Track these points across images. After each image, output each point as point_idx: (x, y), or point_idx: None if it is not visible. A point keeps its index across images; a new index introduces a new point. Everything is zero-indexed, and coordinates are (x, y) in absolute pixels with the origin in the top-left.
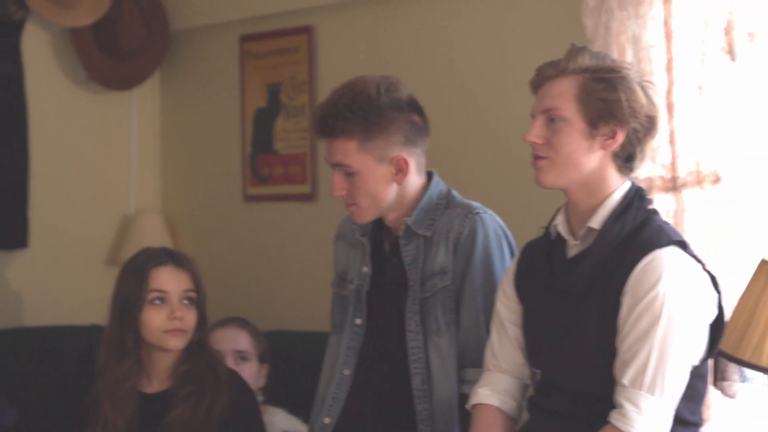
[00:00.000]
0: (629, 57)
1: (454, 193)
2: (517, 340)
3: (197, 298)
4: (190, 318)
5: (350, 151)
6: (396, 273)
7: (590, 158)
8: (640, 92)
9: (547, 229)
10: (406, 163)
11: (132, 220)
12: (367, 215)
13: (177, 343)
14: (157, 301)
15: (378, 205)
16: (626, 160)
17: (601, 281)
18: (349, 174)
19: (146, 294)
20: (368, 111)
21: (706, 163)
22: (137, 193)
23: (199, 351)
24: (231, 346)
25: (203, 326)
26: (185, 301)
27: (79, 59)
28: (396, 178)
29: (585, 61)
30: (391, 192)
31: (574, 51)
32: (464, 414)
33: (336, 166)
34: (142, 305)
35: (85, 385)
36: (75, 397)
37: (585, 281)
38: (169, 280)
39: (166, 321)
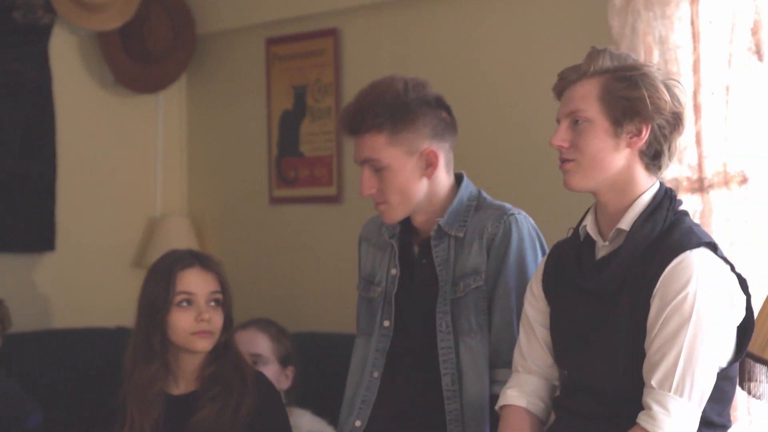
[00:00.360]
0: (656, 58)
1: (485, 194)
2: (545, 342)
3: (224, 300)
4: (216, 320)
5: (380, 145)
6: (425, 275)
7: (617, 157)
8: (663, 89)
9: (576, 230)
10: (435, 156)
11: (158, 223)
12: (397, 213)
13: (204, 344)
14: (184, 304)
15: (408, 202)
16: (653, 158)
17: (630, 282)
18: (379, 170)
19: (173, 296)
20: (396, 105)
21: (733, 164)
22: (163, 195)
23: (225, 353)
24: (247, 349)
25: (229, 328)
26: (212, 303)
27: (107, 63)
28: (426, 172)
29: (606, 62)
30: (421, 188)
31: (595, 53)
32: (495, 414)
33: (365, 163)
34: (170, 308)
35: (112, 388)
36: (102, 399)
37: (614, 282)
38: (195, 282)
39: (193, 323)
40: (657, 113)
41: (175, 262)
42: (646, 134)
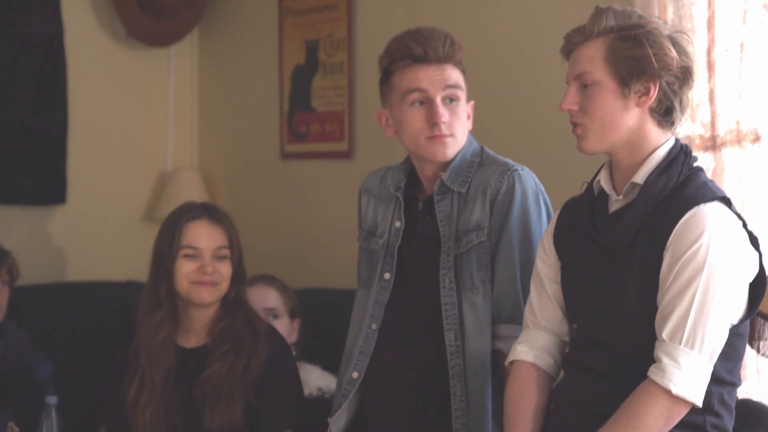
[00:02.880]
0: (670, 15)
1: (488, 150)
2: (555, 297)
3: (231, 254)
4: (222, 271)
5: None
6: (428, 230)
7: (627, 117)
8: (668, 44)
9: (591, 185)
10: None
11: (169, 177)
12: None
13: (204, 296)
14: (190, 255)
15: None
16: (665, 114)
17: (643, 235)
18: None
19: (179, 246)
20: None
21: (746, 122)
22: (174, 149)
23: (236, 308)
24: (261, 304)
25: (239, 282)
26: (218, 257)
27: (118, 16)
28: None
29: (610, 21)
30: None
31: (598, 13)
32: (496, 369)
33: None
34: (176, 258)
35: (123, 341)
36: (113, 351)
37: (627, 235)
38: (201, 235)
39: (195, 273)
40: (664, 70)
41: (183, 213)
42: (654, 92)
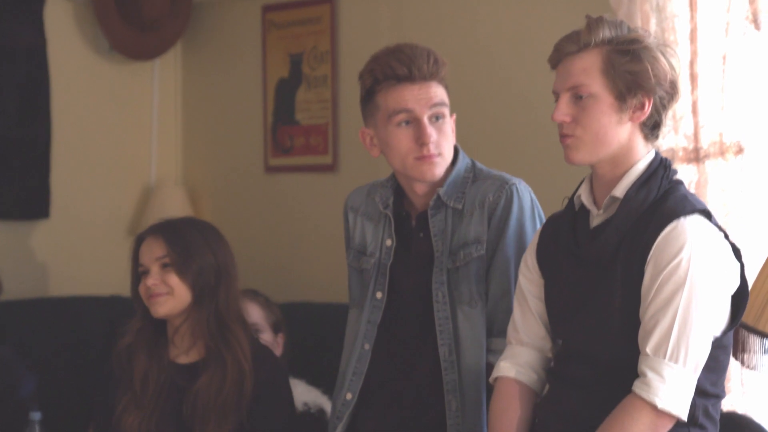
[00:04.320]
0: (653, 26)
1: (479, 165)
2: (539, 314)
3: (174, 262)
4: (169, 281)
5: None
6: (422, 247)
7: (620, 131)
8: (662, 59)
9: (571, 200)
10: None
11: (153, 191)
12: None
13: (158, 308)
14: (143, 272)
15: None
16: (653, 128)
17: (625, 249)
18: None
19: (136, 266)
20: None
21: (729, 134)
22: (158, 163)
23: (217, 324)
24: None
25: (202, 293)
26: (165, 268)
27: (102, 29)
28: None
29: (605, 32)
30: None
31: (593, 23)
32: (490, 384)
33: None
34: (139, 278)
35: (107, 356)
36: (99, 365)
37: (608, 250)
38: (145, 251)
39: (146, 288)
40: (658, 85)
41: (139, 236)
42: (648, 108)
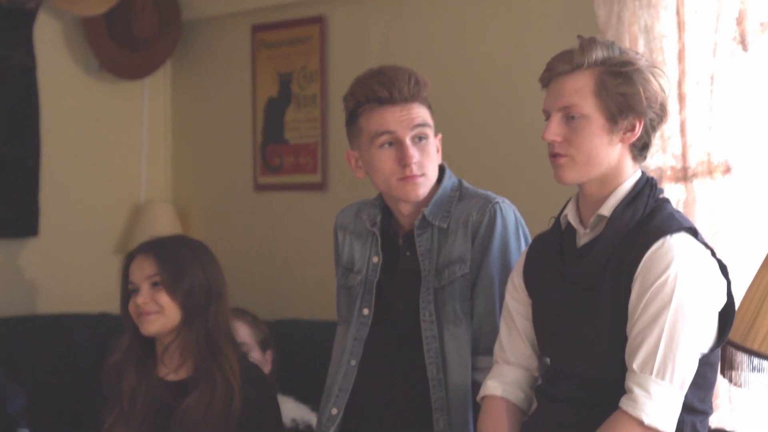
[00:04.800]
0: (641, 47)
1: (466, 183)
2: (525, 333)
3: (164, 281)
4: (159, 300)
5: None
6: (409, 265)
7: (611, 152)
8: (654, 81)
9: (558, 220)
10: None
11: (142, 210)
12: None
13: (148, 327)
14: (133, 290)
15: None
16: (642, 149)
17: (612, 268)
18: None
19: (126, 287)
20: None
21: (717, 154)
22: (148, 182)
23: (207, 342)
24: None
25: (192, 312)
26: (155, 286)
27: (91, 48)
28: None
29: (598, 54)
30: None
31: (586, 44)
32: (477, 402)
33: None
34: (128, 296)
35: (96, 373)
36: (88, 385)
37: (595, 269)
38: (135, 269)
39: (135, 306)
40: (649, 108)
41: (129, 255)
42: (639, 129)
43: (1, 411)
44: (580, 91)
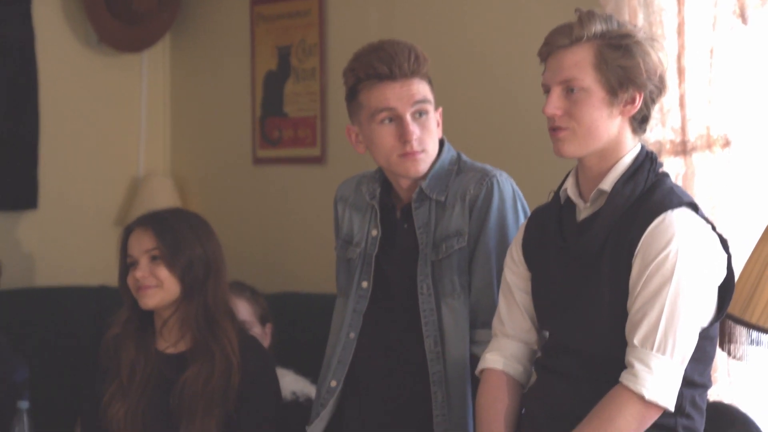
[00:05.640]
0: (640, 20)
1: (464, 157)
2: (524, 307)
3: (163, 255)
4: (158, 274)
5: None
6: (407, 238)
7: (610, 125)
8: (653, 54)
9: (557, 193)
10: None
11: (141, 183)
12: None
13: (147, 300)
14: (132, 263)
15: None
16: (641, 122)
17: (612, 243)
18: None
19: (125, 261)
20: None
21: (717, 127)
22: (146, 155)
23: (205, 316)
24: None
25: (191, 285)
26: (154, 260)
27: (90, 22)
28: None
29: (597, 27)
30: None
31: (585, 17)
32: (475, 375)
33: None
34: (127, 269)
35: (95, 346)
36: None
37: (595, 244)
38: (134, 243)
39: (134, 280)
40: (648, 80)
41: (128, 227)
42: (639, 102)
43: (6, 379)
44: (580, 64)
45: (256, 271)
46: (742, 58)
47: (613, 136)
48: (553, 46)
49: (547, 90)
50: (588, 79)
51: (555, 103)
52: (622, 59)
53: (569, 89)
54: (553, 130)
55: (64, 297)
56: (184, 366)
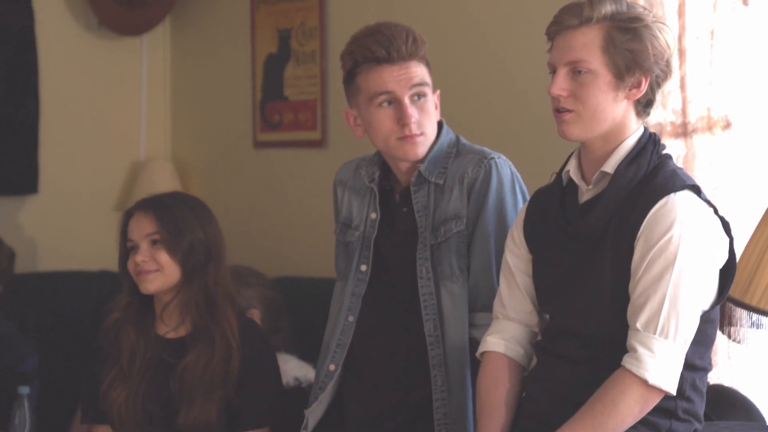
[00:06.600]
0: (641, 1)
1: (463, 140)
2: (525, 289)
3: (164, 239)
4: (159, 258)
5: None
6: (406, 221)
7: (616, 108)
8: (661, 38)
9: (559, 175)
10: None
11: (142, 167)
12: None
13: (147, 285)
14: (132, 247)
15: None
16: (646, 105)
17: (614, 226)
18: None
19: (125, 245)
20: None
21: (717, 109)
22: (147, 139)
23: (206, 301)
24: None
25: (191, 270)
26: (155, 244)
27: (90, 5)
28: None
29: (607, 8)
30: None
31: None
32: (475, 358)
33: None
34: (126, 253)
35: (96, 331)
36: (87, 341)
37: (598, 226)
38: (134, 227)
39: (134, 264)
40: (655, 64)
41: (127, 212)
42: (645, 86)
43: (14, 368)
44: (588, 46)
45: (256, 255)
46: (743, 39)
47: (617, 119)
48: (561, 25)
49: (552, 70)
50: (595, 61)
51: (561, 84)
52: (631, 42)
53: (576, 71)
54: (558, 111)
55: (65, 282)
56: (184, 350)
